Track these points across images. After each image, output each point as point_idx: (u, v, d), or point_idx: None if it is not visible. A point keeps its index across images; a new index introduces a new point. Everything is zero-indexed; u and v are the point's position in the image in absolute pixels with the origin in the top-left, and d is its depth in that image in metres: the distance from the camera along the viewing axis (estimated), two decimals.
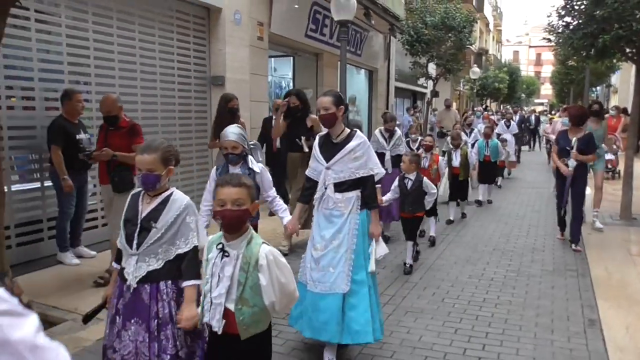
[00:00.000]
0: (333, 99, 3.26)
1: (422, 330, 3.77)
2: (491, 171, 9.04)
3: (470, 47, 18.15)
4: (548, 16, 8.28)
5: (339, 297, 3.12)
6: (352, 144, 3.23)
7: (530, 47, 74.52)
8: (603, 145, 7.15)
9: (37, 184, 5.26)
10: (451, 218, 7.53)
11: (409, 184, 5.11)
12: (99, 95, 5.72)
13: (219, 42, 7.72)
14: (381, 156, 5.98)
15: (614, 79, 25.08)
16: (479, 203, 8.78)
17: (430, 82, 16.98)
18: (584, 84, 19.17)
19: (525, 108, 38.19)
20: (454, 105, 25.02)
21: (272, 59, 10.56)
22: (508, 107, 27.46)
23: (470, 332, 3.74)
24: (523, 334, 3.72)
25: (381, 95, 15.87)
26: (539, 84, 58.16)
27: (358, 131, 3.34)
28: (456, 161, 7.54)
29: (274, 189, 3.78)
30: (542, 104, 59.90)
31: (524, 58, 73.36)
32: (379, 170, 3.36)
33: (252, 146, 3.86)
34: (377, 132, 6.82)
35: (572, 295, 4.46)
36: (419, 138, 7.69)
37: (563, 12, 7.87)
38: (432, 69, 16.23)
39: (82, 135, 5.01)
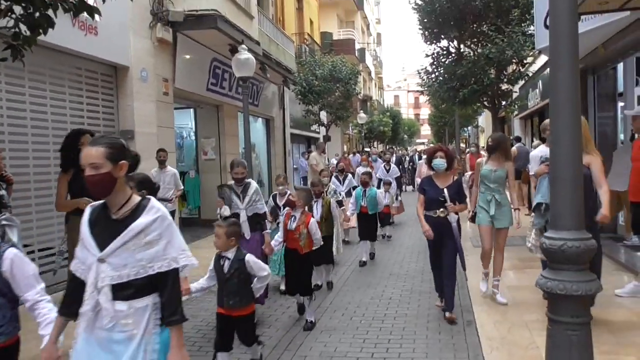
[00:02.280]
0: (107, 150, 2.11)
1: (336, 343, 4.46)
2: (371, 224, 7.73)
3: (357, 95, 19.83)
4: (419, 73, 9.81)
5: None
6: (140, 221, 2.11)
7: (408, 91, 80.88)
8: (507, 191, 5.43)
9: None
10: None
11: (226, 265, 3.60)
12: (12, 152, 5.95)
13: (127, 98, 8.12)
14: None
15: (481, 120, 28.49)
16: (362, 263, 7.51)
17: (323, 128, 18.30)
18: (455, 125, 21.71)
19: (409, 148, 41.50)
20: (344, 148, 26.72)
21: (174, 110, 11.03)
22: (378, 150, 27.84)
23: (376, 340, 4.51)
24: (417, 336, 4.56)
25: (278, 141, 16.79)
26: (418, 126, 63.44)
27: (152, 200, 2.22)
28: (317, 214, 6.03)
29: (38, 287, 2.48)
30: (422, 143, 65.06)
31: (404, 102, 79.48)
32: (186, 262, 2.22)
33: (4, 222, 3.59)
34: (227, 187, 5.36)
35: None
36: (287, 191, 6.31)
37: (431, 69, 9.38)
38: (323, 116, 17.56)
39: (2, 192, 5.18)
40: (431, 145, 18.57)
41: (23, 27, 4.17)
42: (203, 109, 11.82)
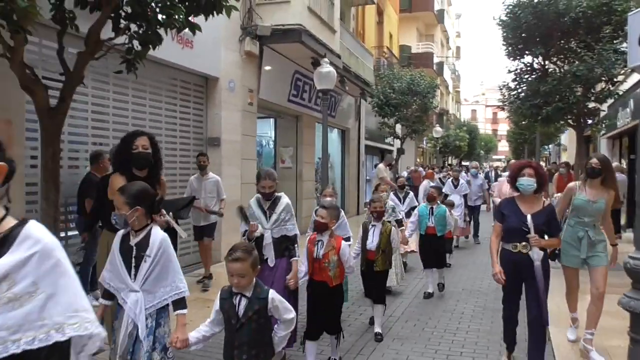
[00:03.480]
0: None
1: (408, 352, 4.56)
2: (438, 249, 6.64)
3: (433, 109, 19.71)
4: (500, 89, 9.68)
5: None
6: (2, 261, 1.31)
7: (486, 106, 78.73)
8: (601, 227, 4.49)
9: (62, 234, 5.91)
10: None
11: (242, 306, 2.70)
12: None
13: (216, 107, 8.65)
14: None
15: (563, 138, 27.26)
16: (427, 295, 6.50)
17: (397, 141, 18.33)
18: (535, 143, 20.96)
19: (485, 164, 40.39)
20: (416, 161, 26.49)
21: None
22: (449, 164, 25.98)
23: (448, 352, 4.56)
24: (490, 352, 4.56)
25: (353, 152, 17.02)
26: (496, 141, 61.47)
27: (31, 226, 1.41)
28: (372, 243, 4.94)
29: None
30: (500, 159, 62.94)
31: (481, 116, 77.39)
32: (81, 331, 1.39)
33: None
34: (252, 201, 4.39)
35: None
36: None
37: (513, 85, 9.23)
38: (398, 129, 17.62)
39: None
40: (512, 160, 17.29)
41: (135, 43, 4.68)
42: (283, 119, 12.28)
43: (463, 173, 12.05)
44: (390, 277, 5.80)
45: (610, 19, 8.55)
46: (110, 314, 3.12)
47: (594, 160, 4.40)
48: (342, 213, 5.16)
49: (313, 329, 4.05)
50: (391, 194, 8.22)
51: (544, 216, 3.84)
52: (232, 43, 8.99)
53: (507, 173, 6.51)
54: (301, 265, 4.20)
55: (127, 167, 3.87)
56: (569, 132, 22.89)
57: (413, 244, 7.40)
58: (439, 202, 6.87)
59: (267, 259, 4.14)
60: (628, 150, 10.90)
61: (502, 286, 4.01)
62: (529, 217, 3.76)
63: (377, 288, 5.02)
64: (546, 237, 3.85)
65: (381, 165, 12.81)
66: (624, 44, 8.21)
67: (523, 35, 9.21)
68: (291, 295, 4.04)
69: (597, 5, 8.48)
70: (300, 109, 12.11)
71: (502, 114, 14.52)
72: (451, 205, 8.42)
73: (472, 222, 10.93)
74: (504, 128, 59.43)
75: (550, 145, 30.31)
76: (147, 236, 2.88)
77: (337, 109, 14.75)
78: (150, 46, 4.65)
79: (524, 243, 3.79)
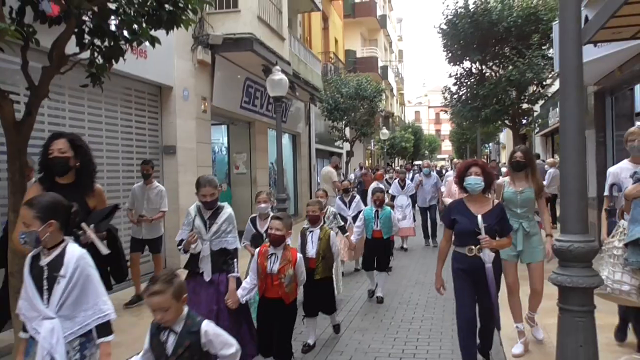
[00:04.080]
0: None
1: (369, 341, 4.93)
2: (383, 252, 6.44)
3: (380, 112, 20.36)
4: (443, 93, 10.33)
5: None
6: None
7: (429, 107, 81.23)
8: (536, 216, 4.63)
9: None
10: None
11: (170, 342, 2.39)
12: None
13: (170, 116, 8.76)
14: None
15: (502, 136, 28.73)
16: (371, 294, 6.54)
17: (347, 144, 18.84)
18: (477, 142, 22.05)
19: (430, 163, 41.78)
20: (365, 163, 27.13)
21: None
22: (388, 164, 25.37)
23: (405, 339, 4.96)
24: (443, 336, 5.00)
25: (304, 156, 17.37)
26: (439, 141, 63.57)
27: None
28: (311, 250, 4.66)
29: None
30: (443, 159, 65.12)
31: (424, 117, 79.70)
32: None
33: None
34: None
35: None
36: (270, 213, 4.82)
37: (455, 89, 9.90)
38: (348, 132, 18.12)
39: None
40: (456, 160, 17.72)
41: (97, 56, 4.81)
42: (236, 126, 12.46)
43: (416, 175, 11.83)
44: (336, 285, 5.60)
45: (538, 27, 9.33)
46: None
47: (518, 154, 4.48)
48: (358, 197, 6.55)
49: (265, 345, 3.88)
50: (337, 198, 8.13)
51: (494, 216, 3.73)
52: (184, 52, 9.12)
53: (451, 172, 6.53)
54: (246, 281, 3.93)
55: (47, 175, 3.53)
56: (507, 131, 24.25)
57: (359, 249, 6.97)
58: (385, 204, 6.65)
59: (202, 272, 3.85)
60: (559, 147, 11.81)
61: (457, 294, 3.85)
62: (479, 217, 3.65)
63: (323, 298, 4.69)
64: (497, 237, 3.75)
65: (328, 168, 12.25)
66: (551, 50, 8.98)
67: (461, 42, 9.89)
68: (241, 312, 3.89)
69: (526, 15, 9.22)
70: (252, 115, 12.33)
71: (445, 115, 15.25)
72: (391, 206, 7.86)
73: (429, 224, 10.57)
74: (446, 128, 61.60)
75: (490, 144, 31.86)
76: (61, 254, 2.53)
77: (287, 114, 15.04)
78: (113, 60, 4.80)
79: (477, 246, 3.66)
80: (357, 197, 8.04)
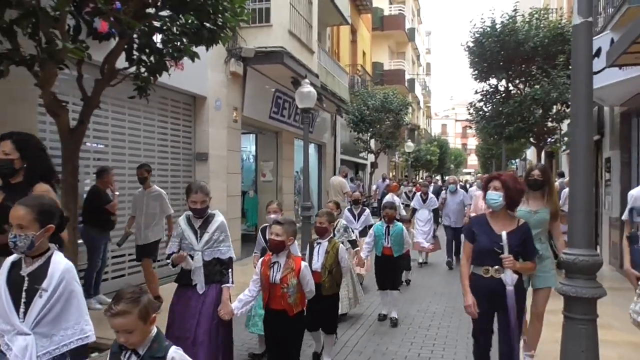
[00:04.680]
0: None
1: (387, 344, 5.17)
2: (393, 270, 6.04)
3: (405, 125, 20.57)
4: (468, 109, 10.53)
5: None
6: None
7: (456, 120, 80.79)
8: (542, 238, 4.24)
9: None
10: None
11: None
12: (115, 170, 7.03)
13: (203, 124, 9.18)
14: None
15: (529, 153, 28.54)
16: (382, 317, 6.13)
17: (371, 155, 19.10)
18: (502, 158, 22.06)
19: (456, 179, 41.59)
20: (384, 175, 27.25)
21: None
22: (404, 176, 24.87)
23: (422, 344, 5.20)
24: (458, 343, 5.23)
25: (329, 166, 17.68)
26: (465, 155, 63.26)
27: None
28: (317, 263, 4.45)
29: None
30: (469, 173, 64.69)
31: (451, 131, 79.35)
32: None
33: None
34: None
35: None
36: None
37: (480, 105, 10.08)
38: (373, 144, 18.40)
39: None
40: (479, 174, 17.08)
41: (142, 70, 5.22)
42: (264, 135, 12.86)
43: (442, 191, 11.27)
44: (342, 303, 5.35)
45: (564, 49, 9.47)
46: None
47: (536, 172, 4.29)
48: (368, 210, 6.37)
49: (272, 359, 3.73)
50: (345, 210, 7.71)
51: (518, 236, 3.46)
52: (218, 64, 9.55)
53: (475, 187, 6.53)
54: (247, 291, 3.72)
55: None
56: (533, 149, 24.19)
57: (368, 266, 6.58)
58: (396, 219, 6.25)
59: (195, 284, 3.71)
60: (569, 168, 11.84)
61: (473, 320, 3.61)
62: (504, 234, 3.37)
63: (325, 315, 4.39)
64: (520, 260, 3.48)
65: (339, 178, 11.77)
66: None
67: (488, 61, 10.09)
68: (221, 329, 3.70)
69: (552, 35, 9.38)
70: (280, 125, 12.71)
71: (472, 129, 15.42)
72: (407, 221, 7.87)
73: (453, 245, 9.88)
74: (473, 142, 61.24)
75: (517, 160, 31.69)
76: (46, 264, 2.32)
77: (314, 125, 15.39)
78: (157, 75, 5.20)
79: (496, 267, 3.40)
80: (367, 210, 7.73)
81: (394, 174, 31.39)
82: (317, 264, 4.44)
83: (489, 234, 3.50)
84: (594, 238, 10.33)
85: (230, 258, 3.80)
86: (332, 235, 4.72)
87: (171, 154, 8.50)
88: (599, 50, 7.47)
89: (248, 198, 12.49)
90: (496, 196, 3.54)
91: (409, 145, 25.07)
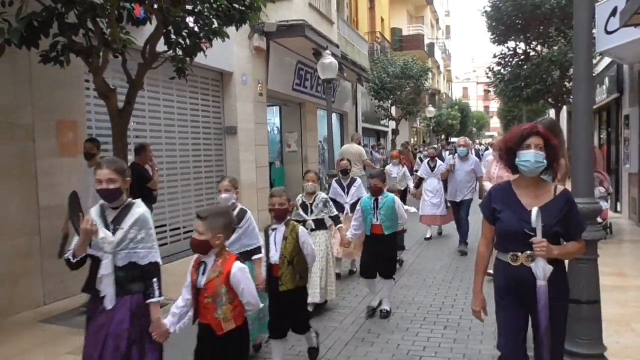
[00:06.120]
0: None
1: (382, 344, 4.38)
2: (385, 253, 5.09)
3: (426, 90, 20.68)
4: (486, 73, 10.73)
5: None
6: None
7: (478, 83, 79.50)
8: None
9: None
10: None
11: None
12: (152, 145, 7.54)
13: (231, 99, 9.62)
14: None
15: (551, 114, 28.36)
16: (382, 312, 5.08)
17: (392, 122, 19.36)
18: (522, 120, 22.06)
19: (477, 141, 41.50)
20: (411, 141, 27.43)
21: None
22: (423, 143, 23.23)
23: (429, 335, 4.65)
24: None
25: (351, 134, 18.01)
26: (487, 118, 62.62)
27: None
28: (275, 254, 3.73)
29: None
30: (492, 136, 64.08)
31: (472, 94, 78.25)
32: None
33: None
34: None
35: None
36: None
37: (498, 69, 10.27)
38: (394, 111, 18.64)
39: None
40: (494, 137, 12.83)
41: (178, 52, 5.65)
42: (288, 107, 13.27)
43: (449, 154, 10.08)
44: (313, 293, 4.81)
45: None
46: None
47: (540, 129, 3.79)
48: (248, 212, 4.03)
49: None
50: (333, 181, 6.89)
51: (556, 210, 2.57)
52: (242, 40, 9.91)
53: (490, 151, 5.54)
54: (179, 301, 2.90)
55: None
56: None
57: (354, 248, 6.03)
58: (385, 191, 5.19)
59: (103, 296, 2.76)
60: (606, 123, 12.00)
61: (498, 323, 2.76)
62: (534, 211, 2.47)
63: (292, 313, 3.74)
64: (563, 242, 2.63)
65: (356, 146, 10.44)
66: (594, 31, 9.19)
67: (506, 24, 10.22)
68: (149, 354, 2.81)
69: None
70: (303, 97, 13.08)
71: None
72: (400, 191, 6.72)
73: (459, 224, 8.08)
74: (495, 105, 60.53)
75: (539, 120, 31.51)
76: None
77: (335, 94, 15.70)
78: (192, 56, 5.63)
79: (528, 252, 2.55)
80: (358, 180, 6.75)
81: (415, 139, 31.53)
82: (276, 254, 3.69)
83: (515, 210, 2.61)
84: (615, 194, 10.57)
85: (153, 264, 2.83)
86: (288, 218, 3.83)
87: (202, 128, 8.98)
88: (614, 10, 7.62)
89: (274, 169, 12.97)
90: (539, 157, 2.57)
91: (430, 111, 25.18)
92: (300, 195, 5.37)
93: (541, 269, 2.52)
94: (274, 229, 3.76)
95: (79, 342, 2.98)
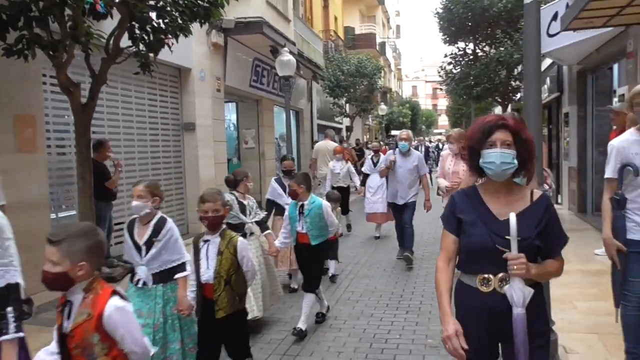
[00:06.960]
0: None
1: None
2: (310, 265, 4.69)
3: (379, 89, 21.14)
4: (439, 72, 11.20)
5: None
6: None
7: (426, 82, 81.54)
8: None
9: (74, 212, 6.82)
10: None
11: None
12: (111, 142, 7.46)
13: (189, 95, 9.59)
14: None
15: (497, 111, 29.61)
16: (299, 332, 4.41)
17: (346, 119, 19.70)
18: (471, 117, 22.93)
19: (426, 138, 42.62)
20: (363, 138, 27.89)
21: None
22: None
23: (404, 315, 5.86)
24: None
25: (306, 131, 18.21)
26: (436, 116, 64.37)
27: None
28: (207, 272, 3.15)
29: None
30: (440, 133, 65.92)
31: (422, 92, 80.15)
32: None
33: None
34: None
35: None
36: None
37: (449, 68, 10.78)
38: (348, 108, 18.98)
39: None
40: (453, 131, 12.03)
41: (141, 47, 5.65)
42: (245, 103, 13.30)
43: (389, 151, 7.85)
44: (250, 309, 4.24)
45: None
46: None
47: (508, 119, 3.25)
48: (169, 222, 3.28)
49: None
50: (273, 180, 6.40)
51: (535, 219, 2.09)
52: (200, 36, 9.87)
53: (448, 145, 5.16)
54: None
55: None
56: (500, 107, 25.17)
57: (283, 257, 5.68)
58: (312, 195, 4.66)
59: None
60: (548, 121, 12.74)
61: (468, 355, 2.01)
62: (512, 218, 2.02)
63: (230, 340, 3.23)
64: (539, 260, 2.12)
65: (330, 143, 11.04)
66: None
67: (456, 25, 10.72)
68: None
69: (515, 0, 10.04)
70: (260, 93, 13.15)
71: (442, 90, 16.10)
72: (336, 199, 6.32)
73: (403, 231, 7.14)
74: (443, 103, 62.26)
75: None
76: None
77: (291, 91, 15.83)
78: (155, 51, 5.64)
79: (501, 274, 2.06)
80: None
81: (367, 137, 32.08)
82: (209, 272, 3.11)
83: (486, 220, 2.12)
84: (556, 188, 11.26)
85: (12, 285, 2.28)
86: (224, 226, 3.27)
87: (161, 125, 8.93)
88: (555, 14, 8.15)
89: (232, 165, 13.00)
90: (508, 156, 2.06)
91: (382, 108, 25.72)
92: (231, 192, 4.70)
93: (519, 292, 1.99)
94: (206, 241, 3.16)
95: None
